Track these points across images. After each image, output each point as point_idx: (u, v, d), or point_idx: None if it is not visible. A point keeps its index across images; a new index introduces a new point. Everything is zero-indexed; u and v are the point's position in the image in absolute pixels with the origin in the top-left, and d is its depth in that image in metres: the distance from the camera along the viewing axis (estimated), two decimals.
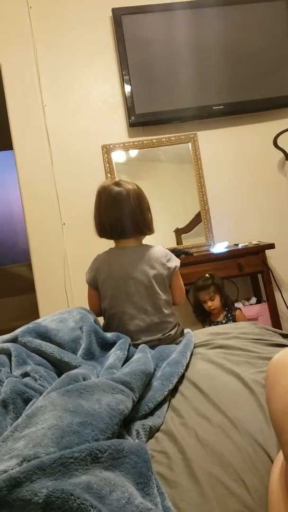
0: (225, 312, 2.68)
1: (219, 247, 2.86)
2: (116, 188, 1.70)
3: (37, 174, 2.89)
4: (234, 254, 2.79)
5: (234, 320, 2.64)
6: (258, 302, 2.93)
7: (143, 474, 0.80)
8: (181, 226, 3.08)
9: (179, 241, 3.07)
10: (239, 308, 2.73)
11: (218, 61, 2.97)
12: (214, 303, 2.63)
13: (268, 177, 3.10)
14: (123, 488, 0.74)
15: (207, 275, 2.65)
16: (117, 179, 1.81)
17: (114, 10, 2.91)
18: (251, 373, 1.28)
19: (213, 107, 2.96)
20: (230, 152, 3.08)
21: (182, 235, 3.09)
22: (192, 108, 2.96)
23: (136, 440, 0.98)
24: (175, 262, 1.78)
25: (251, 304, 2.91)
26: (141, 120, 2.92)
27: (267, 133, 3.06)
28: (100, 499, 0.71)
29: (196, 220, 3.10)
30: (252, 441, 0.96)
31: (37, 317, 2.88)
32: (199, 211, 3.07)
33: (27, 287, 4.33)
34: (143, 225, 1.75)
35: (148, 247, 1.77)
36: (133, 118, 2.90)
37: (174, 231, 3.08)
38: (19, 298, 4.43)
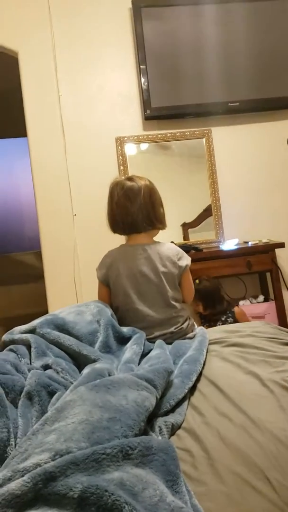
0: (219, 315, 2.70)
1: (229, 244, 2.86)
2: (128, 183, 1.71)
3: (50, 162, 2.88)
4: (243, 252, 2.79)
5: (234, 318, 2.66)
6: (266, 300, 2.94)
7: (172, 471, 0.81)
8: (188, 220, 3.08)
9: (186, 236, 3.07)
10: (237, 305, 2.75)
11: (236, 58, 2.95)
12: (198, 309, 2.68)
13: (281, 176, 3.10)
14: (155, 486, 0.75)
15: (197, 280, 2.66)
16: (129, 175, 1.81)
17: (133, 2, 2.89)
18: (269, 373, 1.28)
19: (229, 104, 2.95)
20: (244, 149, 3.08)
21: (189, 230, 3.08)
22: (207, 104, 2.95)
23: (159, 437, 0.99)
24: (186, 260, 1.79)
25: (258, 302, 2.91)
26: (157, 114, 2.91)
27: (282, 132, 3.05)
28: (133, 496, 0.71)
29: (204, 215, 3.09)
30: (274, 440, 0.97)
31: (45, 306, 2.90)
32: (208, 206, 3.07)
33: (33, 275, 4.34)
34: (156, 219, 1.75)
35: (159, 244, 1.77)
36: (148, 111, 2.89)
37: (181, 225, 3.08)
38: (24, 286, 4.43)
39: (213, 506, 0.82)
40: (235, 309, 2.70)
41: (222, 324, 2.60)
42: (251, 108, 3.01)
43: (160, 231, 1.85)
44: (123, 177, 1.77)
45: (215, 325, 2.57)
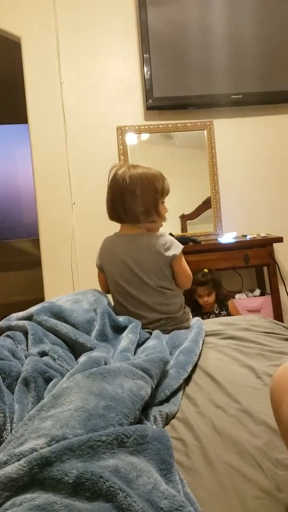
0: (216, 305, 2.71)
1: (227, 237, 2.86)
2: (130, 171, 1.70)
3: (50, 150, 2.87)
4: (241, 245, 2.79)
5: (228, 311, 2.68)
6: (262, 294, 2.95)
7: (166, 460, 0.82)
8: (187, 212, 3.07)
9: (184, 228, 3.06)
10: (231, 299, 2.77)
11: (240, 50, 2.93)
12: (210, 299, 2.66)
13: (282, 170, 3.09)
14: (149, 474, 0.76)
15: (205, 270, 2.64)
16: (134, 163, 1.80)
17: None
18: (264, 366, 1.30)
19: (232, 96, 2.93)
20: (245, 142, 3.07)
21: (187, 222, 3.08)
22: (210, 96, 2.93)
23: (154, 426, 1.00)
24: (174, 250, 1.73)
25: (254, 296, 2.93)
26: (159, 104, 2.89)
27: (284, 126, 3.05)
28: (128, 483, 0.72)
29: (203, 207, 3.08)
30: (267, 429, 0.98)
31: (41, 293, 2.90)
32: (207, 198, 3.06)
33: (30, 262, 4.34)
34: (153, 210, 1.73)
35: (149, 235, 1.75)
36: (150, 101, 2.87)
37: (180, 217, 3.07)
38: (21, 273, 4.44)
39: (205, 494, 0.83)
40: (229, 302, 2.71)
41: (216, 316, 2.61)
42: (254, 101, 2.99)
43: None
44: (126, 164, 1.76)
45: (208, 318, 2.58)
